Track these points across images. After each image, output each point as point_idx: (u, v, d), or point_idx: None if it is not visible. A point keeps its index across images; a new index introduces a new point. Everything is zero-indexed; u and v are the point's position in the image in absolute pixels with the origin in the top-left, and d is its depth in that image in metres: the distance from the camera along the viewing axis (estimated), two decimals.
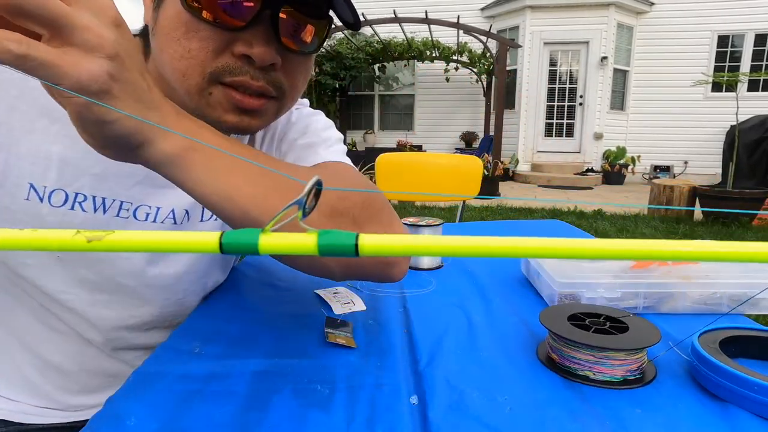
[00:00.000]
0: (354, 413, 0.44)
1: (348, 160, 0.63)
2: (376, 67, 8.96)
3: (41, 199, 0.53)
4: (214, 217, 0.64)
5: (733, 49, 8.14)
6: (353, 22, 0.52)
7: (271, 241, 0.19)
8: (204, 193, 0.39)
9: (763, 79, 7.92)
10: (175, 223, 0.61)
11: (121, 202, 0.57)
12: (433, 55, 8.24)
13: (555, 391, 0.48)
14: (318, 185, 0.21)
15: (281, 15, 0.48)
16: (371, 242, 0.18)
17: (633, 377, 0.48)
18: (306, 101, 0.72)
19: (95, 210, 0.56)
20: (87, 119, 0.33)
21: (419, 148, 9.14)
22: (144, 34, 0.56)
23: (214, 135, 0.41)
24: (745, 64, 8.08)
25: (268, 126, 0.64)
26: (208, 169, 0.39)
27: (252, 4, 0.46)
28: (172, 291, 0.65)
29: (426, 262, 0.87)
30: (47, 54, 0.28)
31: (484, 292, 0.75)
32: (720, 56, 8.19)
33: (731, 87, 5.42)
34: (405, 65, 9.23)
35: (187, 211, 0.62)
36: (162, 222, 0.60)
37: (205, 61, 0.48)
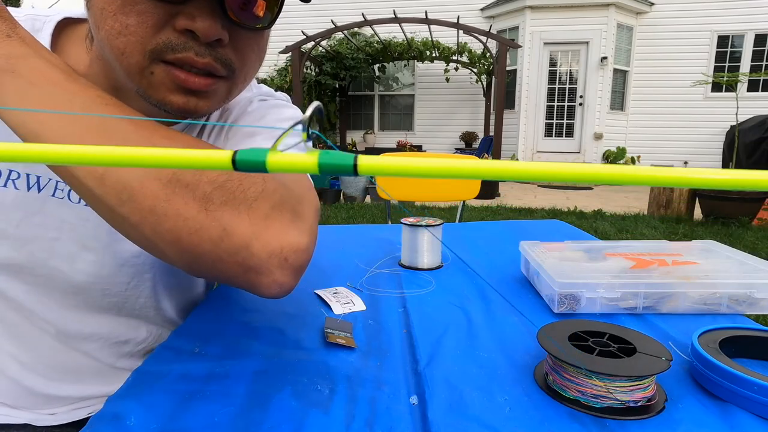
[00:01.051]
0: (354, 413, 0.44)
1: None
2: (376, 67, 8.96)
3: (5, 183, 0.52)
4: None
5: (733, 49, 8.14)
6: None
7: (278, 158, 0.20)
8: (6, 119, 0.37)
9: (763, 79, 7.92)
10: None
11: (57, 182, 0.55)
12: (433, 55, 8.23)
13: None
14: (318, 111, 0.22)
15: None
16: (369, 162, 0.20)
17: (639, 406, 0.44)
18: (281, 94, 0.68)
19: (29, 188, 0.53)
20: None
21: (419, 149, 9.15)
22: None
23: (48, 65, 0.38)
24: (745, 64, 8.08)
25: (225, 110, 0.61)
26: (19, 97, 0.37)
27: None
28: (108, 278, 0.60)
29: (426, 262, 0.87)
30: None
31: (484, 292, 0.75)
32: (720, 56, 8.20)
33: (731, 87, 5.43)
34: (405, 65, 9.24)
35: None
36: None
37: (144, 37, 0.44)
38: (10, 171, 0.52)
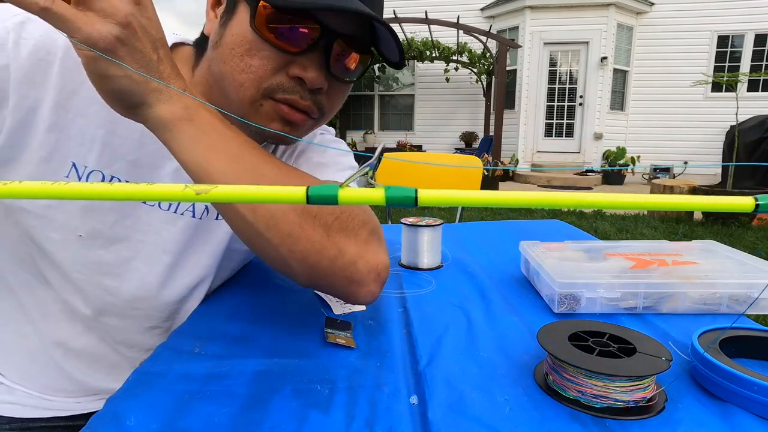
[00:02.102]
0: (354, 413, 0.43)
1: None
2: (375, 67, 8.96)
3: (79, 178, 0.56)
4: None
5: (733, 49, 8.14)
6: (398, 62, 0.57)
7: (348, 194, 0.23)
8: (184, 160, 0.45)
9: (763, 79, 7.93)
10: (193, 216, 0.65)
11: None
12: (433, 55, 8.24)
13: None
14: (382, 153, 0.26)
15: (334, 47, 0.54)
16: (429, 195, 0.23)
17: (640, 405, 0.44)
18: (332, 129, 0.79)
19: None
20: (93, 71, 0.40)
21: (419, 149, 9.15)
22: (198, 43, 0.61)
23: (211, 115, 0.46)
24: (745, 64, 8.09)
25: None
26: (195, 142, 0.44)
27: (310, 33, 0.52)
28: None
29: (426, 262, 0.87)
30: (66, 10, 0.36)
31: (484, 292, 0.75)
32: (720, 56, 8.20)
33: (731, 87, 5.43)
34: (405, 65, 9.23)
35: (207, 207, 0.66)
36: (182, 214, 0.64)
37: (262, 77, 0.53)
38: (112, 177, 0.58)
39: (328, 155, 0.71)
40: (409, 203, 0.23)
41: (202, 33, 0.60)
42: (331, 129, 0.79)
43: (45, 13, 0.35)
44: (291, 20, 0.52)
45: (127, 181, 0.58)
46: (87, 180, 0.56)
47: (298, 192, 0.23)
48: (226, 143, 0.46)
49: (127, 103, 0.42)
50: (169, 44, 0.58)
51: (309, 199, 0.23)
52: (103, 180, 0.58)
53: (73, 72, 0.54)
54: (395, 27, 7.31)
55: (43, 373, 0.66)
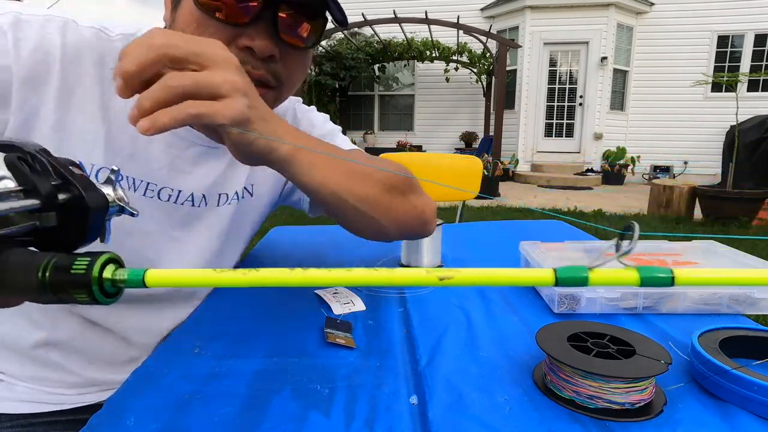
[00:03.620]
0: (354, 413, 0.44)
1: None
2: (376, 67, 8.96)
3: (88, 176, 0.56)
4: (228, 202, 0.71)
5: (733, 49, 8.14)
6: (342, 20, 0.59)
7: (599, 276, 0.23)
8: (308, 182, 0.52)
9: (763, 79, 7.92)
10: (193, 205, 0.67)
11: (147, 183, 0.62)
12: (433, 55, 8.24)
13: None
14: (637, 234, 0.24)
15: (281, 14, 0.55)
16: (685, 276, 0.24)
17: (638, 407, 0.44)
18: (299, 99, 0.81)
19: (130, 188, 0.61)
20: (238, 143, 0.45)
21: (419, 149, 9.14)
22: None
23: (309, 138, 0.54)
24: (745, 64, 8.09)
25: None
26: (311, 166, 0.51)
27: (255, 3, 0.53)
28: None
29: (426, 262, 0.87)
30: (209, 107, 0.40)
31: (484, 292, 0.75)
32: (720, 56, 8.20)
33: (731, 87, 5.42)
34: (405, 65, 9.23)
35: (204, 195, 0.68)
36: (182, 204, 0.66)
37: None
38: (148, 183, 0.62)
39: (317, 125, 0.77)
40: (665, 283, 0.23)
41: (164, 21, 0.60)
42: (298, 98, 0.81)
43: (198, 119, 0.39)
44: None
45: (126, 177, 0.60)
46: (97, 177, 0.57)
47: (547, 275, 0.24)
48: (323, 157, 0.53)
49: (262, 155, 0.47)
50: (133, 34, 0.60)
51: (558, 282, 0.24)
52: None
53: (70, 71, 0.55)
54: (395, 27, 7.31)
55: (44, 367, 0.66)
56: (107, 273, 0.25)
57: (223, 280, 0.24)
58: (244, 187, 0.72)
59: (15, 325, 0.65)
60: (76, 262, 0.26)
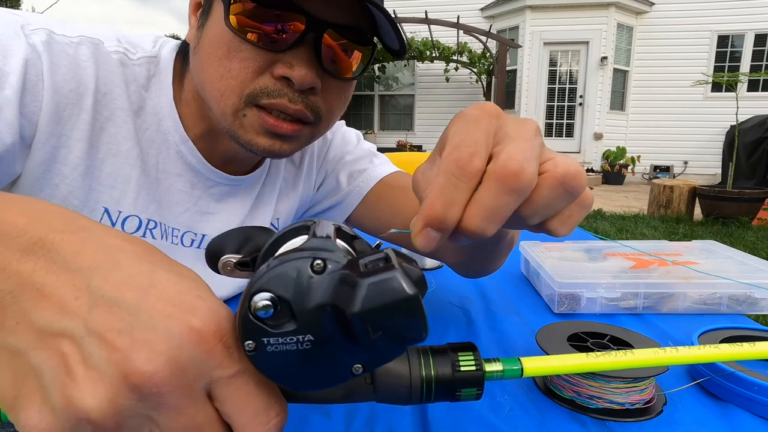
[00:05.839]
0: (354, 413, 0.43)
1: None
2: (375, 67, 8.96)
3: (113, 224, 0.52)
4: None
5: (733, 49, 8.14)
6: (398, 50, 0.51)
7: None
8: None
9: (763, 79, 7.92)
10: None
11: (173, 229, 0.58)
12: (433, 55, 8.23)
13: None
14: None
15: (324, 39, 0.47)
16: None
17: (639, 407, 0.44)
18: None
19: (162, 237, 0.56)
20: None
21: (419, 148, 9.14)
22: (183, 51, 0.56)
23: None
24: (745, 64, 8.08)
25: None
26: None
27: (295, 25, 0.45)
28: None
29: (428, 262, 0.87)
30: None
31: (484, 292, 0.75)
32: (720, 56, 8.19)
33: (731, 87, 5.42)
34: (405, 65, 9.23)
35: None
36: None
37: (244, 81, 0.47)
38: (149, 220, 0.55)
39: (350, 146, 0.71)
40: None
41: (185, 41, 0.54)
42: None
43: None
44: (271, 12, 0.45)
45: (159, 223, 0.55)
46: (122, 226, 0.51)
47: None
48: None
49: None
50: (166, 56, 0.55)
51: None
52: (140, 225, 0.53)
53: (103, 106, 0.49)
54: None
55: None
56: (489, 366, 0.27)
57: (598, 365, 0.28)
58: (271, 223, 0.67)
59: None
60: (462, 360, 0.27)
